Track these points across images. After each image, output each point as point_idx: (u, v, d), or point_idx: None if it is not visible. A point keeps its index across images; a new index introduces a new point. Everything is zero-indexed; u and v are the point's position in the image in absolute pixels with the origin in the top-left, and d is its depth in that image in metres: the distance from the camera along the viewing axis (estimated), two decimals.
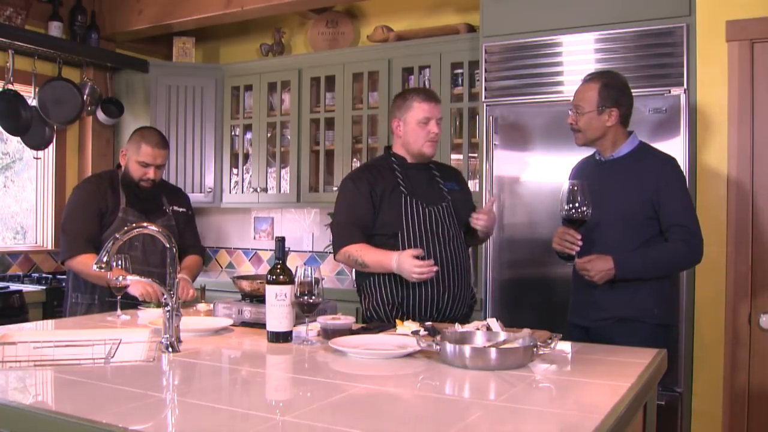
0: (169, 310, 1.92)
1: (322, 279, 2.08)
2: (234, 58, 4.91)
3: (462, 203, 2.69)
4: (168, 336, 1.92)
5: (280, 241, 2.12)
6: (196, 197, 4.49)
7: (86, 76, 4.44)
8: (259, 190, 4.49)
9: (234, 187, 4.65)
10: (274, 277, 2.06)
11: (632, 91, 2.53)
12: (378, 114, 4.08)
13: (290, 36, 4.80)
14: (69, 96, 4.23)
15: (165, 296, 1.93)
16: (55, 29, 4.20)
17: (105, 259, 1.95)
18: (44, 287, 3.74)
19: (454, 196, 2.67)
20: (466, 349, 1.73)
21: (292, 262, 3.72)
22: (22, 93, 4.09)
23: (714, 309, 2.98)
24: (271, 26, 4.76)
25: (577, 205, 2.33)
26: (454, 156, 3.86)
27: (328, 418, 1.34)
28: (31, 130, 4.13)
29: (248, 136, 4.61)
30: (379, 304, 2.58)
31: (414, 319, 2.40)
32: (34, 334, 2.25)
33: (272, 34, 4.72)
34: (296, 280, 2.02)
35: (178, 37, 4.71)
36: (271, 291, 2.05)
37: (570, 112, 2.52)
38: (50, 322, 2.87)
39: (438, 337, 1.82)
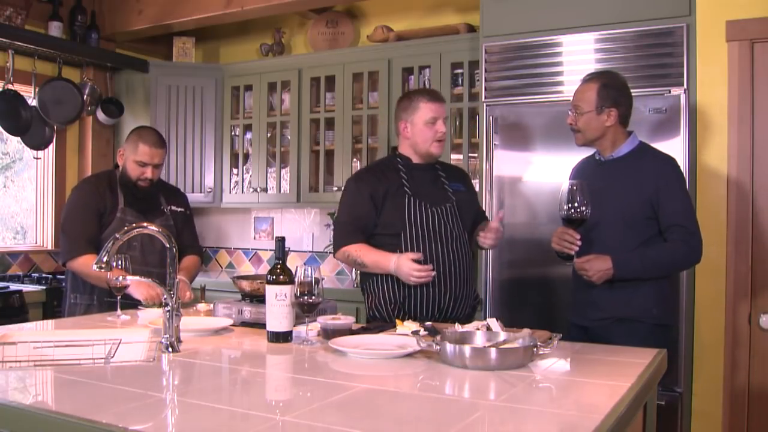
0: (169, 310, 1.92)
1: (322, 279, 2.08)
2: (234, 58, 4.91)
3: (467, 204, 2.70)
4: (168, 336, 1.92)
5: (280, 241, 2.12)
6: (196, 197, 4.50)
7: (86, 76, 4.44)
8: (259, 190, 4.49)
9: (234, 187, 4.65)
10: (274, 277, 2.06)
11: (632, 91, 2.53)
12: (378, 114, 4.08)
13: (290, 36, 4.80)
14: (69, 96, 4.23)
15: (165, 296, 1.93)
16: (55, 29, 4.20)
17: (105, 259, 1.95)
18: (44, 287, 3.74)
19: (459, 196, 2.67)
20: (466, 349, 1.73)
21: (292, 262, 3.72)
22: (22, 93, 4.09)
23: (714, 309, 2.98)
24: (271, 26, 4.76)
25: (576, 204, 2.33)
26: (454, 156, 3.87)
27: (328, 418, 1.34)
28: (31, 130, 4.13)
29: (248, 136, 4.61)
30: (382, 303, 2.59)
31: (415, 319, 2.41)
32: (34, 334, 2.25)
33: (272, 34, 4.72)
34: (296, 280, 2.02)
35: (178, 37, 4.71)
36: (271, 291, 2.05)
37: (569, 113, 2.53)
38: (50, 322, 2.87)
39: (438, 337, 1.82)
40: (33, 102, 4.13)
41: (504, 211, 2.63)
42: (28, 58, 4.13)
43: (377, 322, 2.51)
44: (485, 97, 3.46)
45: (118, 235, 1.96)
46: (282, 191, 4.44)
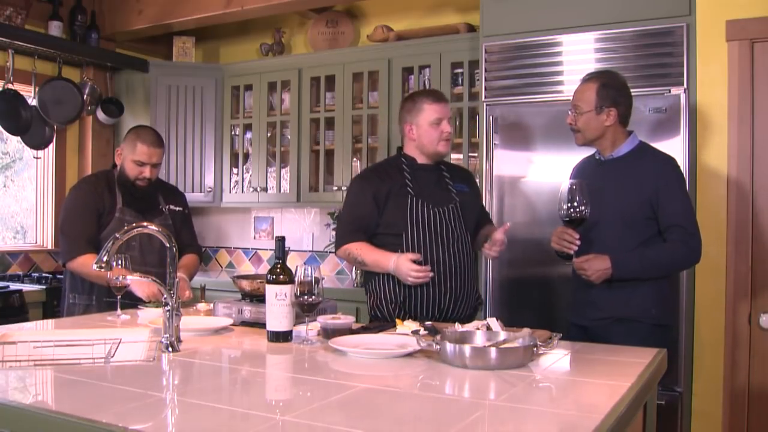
0: (169, 310, 1.92)
1: (322, 279, 2.08)
2: (234, 58, 4.91)
3: (470, 205, 2.71)
4: (168, 335, 1.92)
5: (280, 240, 2.12)
6: (196, 197, 4.50)
7: (86, 75, 4.44)
8: (259, 189, 4.49)
9: (234, 186, 4.65)
10: (274, 276, 2.06)
11: (632, 90, 2.53)
12: (378, 114, 4.08)
13: (290, 36, 4.80)
14: (69, 96, 4.24)
15: (165, 296, 1.93)
16: (55, 29, 4.20)
17: (105, 259, 1.94)
18: (44, 287, 3.74)
19: (462, 197, 2.68)
20: (466, 348, 1.73)
21: (292, 262, 3.71)
22: (22, 93, 4.09)
23: (714, 309, 2.98)
24: (271, 26, 4.76)
25: (575, 204, 2.33)
26: (454, 156, 3.87)
27: (328, 418, 1.34)
28: (31, 129, 4.13)
29: (248, 135, 4.61)
30: (383, 303, 2.60)
31: (416, 319, 2.41)
32: (34, 334, 2.25)
33: (272, 33, 4.72)
34: (296, 279, 2.02)
35: (178, 37, 4.71)
36: (271, 290, 2.05)
37: (569, 112, 2.52)
38: (50, 322, 2.87)
39: (438, 337, 1.82)
40: (33, 102, 4.13)
41: (510, 223, 2.63)
42: (28, 57, 4.13)
43: (377, 322, 2.51)
44: (485, 97, 3.46)
45: (118, 235, 1.96)
46: (282, 191, 4.44)
